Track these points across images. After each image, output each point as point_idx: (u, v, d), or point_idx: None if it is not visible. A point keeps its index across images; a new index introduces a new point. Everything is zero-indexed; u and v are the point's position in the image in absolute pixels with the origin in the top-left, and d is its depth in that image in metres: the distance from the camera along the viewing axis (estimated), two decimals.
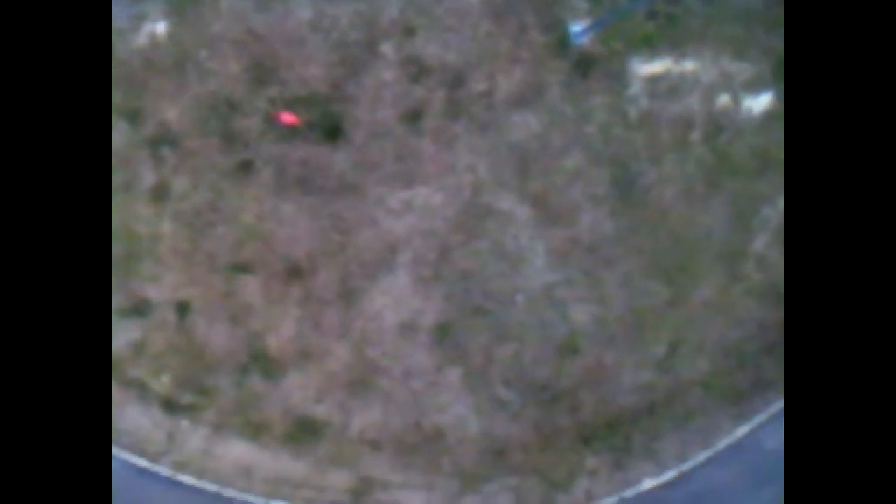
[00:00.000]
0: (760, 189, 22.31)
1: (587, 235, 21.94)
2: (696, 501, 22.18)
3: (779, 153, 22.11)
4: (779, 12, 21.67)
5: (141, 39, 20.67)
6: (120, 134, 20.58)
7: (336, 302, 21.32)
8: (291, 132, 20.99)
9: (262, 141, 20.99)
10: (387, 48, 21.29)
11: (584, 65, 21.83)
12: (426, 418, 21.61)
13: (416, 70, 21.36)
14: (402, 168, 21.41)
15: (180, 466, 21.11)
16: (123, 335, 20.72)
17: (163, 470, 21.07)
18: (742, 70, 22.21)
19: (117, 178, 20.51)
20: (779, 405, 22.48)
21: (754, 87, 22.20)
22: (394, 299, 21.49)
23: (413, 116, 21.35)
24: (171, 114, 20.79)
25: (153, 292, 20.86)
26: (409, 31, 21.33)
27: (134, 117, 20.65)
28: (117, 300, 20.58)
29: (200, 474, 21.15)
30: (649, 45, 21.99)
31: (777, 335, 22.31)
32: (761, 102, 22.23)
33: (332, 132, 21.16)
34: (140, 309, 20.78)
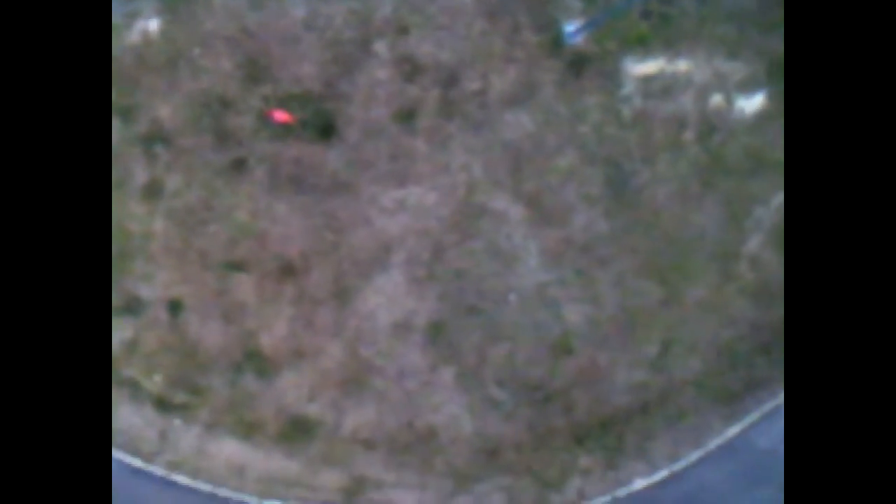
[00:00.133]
0: (753, 189, 22.37)
1: (581, 235, 21.95)
2: (688, 501, 22.22)
3: (772, 153, 22.18)
4: (772, 13, 21.75)
5: (134, 36, 20.58)
6: (113, 131, 20.45)
7: (329, 301, 21.27)
8: (285, 130, 20.94)
9: (256, 139, 20.93)
10: (380, 47, 21.25)
11: (578, 64, 21.83)
12: (419, 418, 21.58)
13: (410, 69, 21.32)
14: (395, 167, 21.38)
15: (174, 466, 21.05)
16: (116, 334, 20.63)
17: (156, 469, 20.97)
18: (735, 70, 22.25)
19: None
20: (771, 404, 22.55)
21: (747, 87, 22.24)
22: (387, 298, 21.46)
23: (407, 115, 21.32)
24: (164, 111, 20.70)
25: (146, 291, 20.77)
26: (403, 30, 21.29)
27: (127, 115, 20.56)
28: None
29: (194, 474, 21.09)
30: (643, 45, 22.01)
31: (770, 335, 22.40)
32: (754, 103, 22.27)
33: (326, 130, 21.10)
34: (132, 307, 20.70)
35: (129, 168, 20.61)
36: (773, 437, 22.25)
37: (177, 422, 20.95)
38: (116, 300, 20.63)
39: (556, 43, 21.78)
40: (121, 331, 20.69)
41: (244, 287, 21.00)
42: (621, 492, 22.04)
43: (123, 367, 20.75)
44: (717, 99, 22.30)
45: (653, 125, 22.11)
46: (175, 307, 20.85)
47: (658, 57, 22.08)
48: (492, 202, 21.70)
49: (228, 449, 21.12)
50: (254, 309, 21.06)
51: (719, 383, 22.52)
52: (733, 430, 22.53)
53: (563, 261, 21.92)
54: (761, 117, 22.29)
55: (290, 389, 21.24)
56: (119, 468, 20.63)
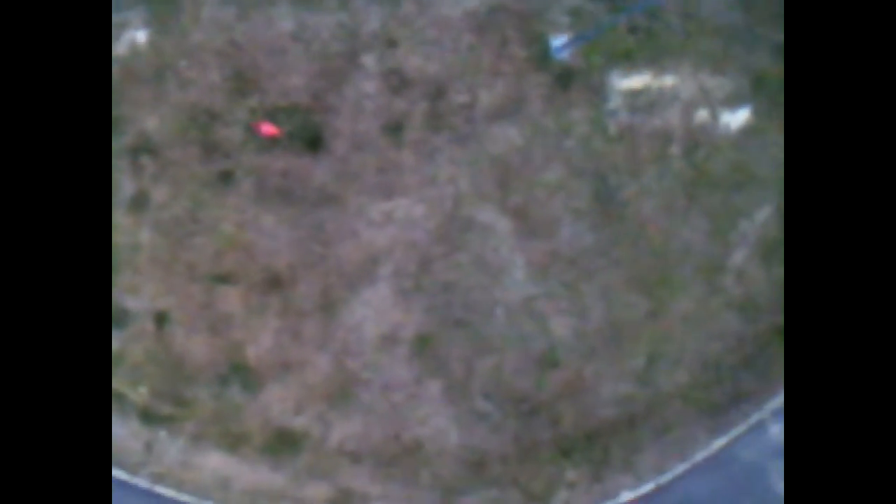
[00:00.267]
0: (739, 203, 22.52)
1: (567, 248, 22.02)
2: None
3: (757, 168, 22.36)
4: (758, 29, 21.95)
5: (121, 48, 20.59)
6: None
7: (316, 313, 21.27)
8: (272, 142, 20.96)
9: (243, 151, 20.95)
10: (368, 59, 21.32)
11: (565, 78, 21.96)
12: (406, 430, 21.57)
13: (398, 82, 21.40)
14: (382, 179, 21.43)
15: (158, 478, 20.96)
16: None
17: (141, 481, 20.88)
18: (721, 85, 22.43)
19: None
20: (756, 417, 22.65)
21: (732, 102, 22.42)
22: (374, 311, 21.47)
23: (394, 128, 21.38)
24: (151, 123, 20.71)
25: (132, 302, 20.72)
26: (391, 43, 21.38)
27: (114, 126, 20.49)
28: None
29: (179, 486, 21.00)
30: (629, 60, 22.17)
31: (755, 348, 22.53)
32: (739, 118, 22.45)
33: (313, 143, 21.15)
34: (118, 319, 20.63)
35: (116, 180, 20.54)
36: (758, 450, 22.33)
37: (162, 434, 20.88)
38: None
39: (544, 57, 21.91)
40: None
41: (231, 299, 20.98)
42: None
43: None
44: (702, 114, 22.46)
45: (639, 139, 22.24)
46: (161, 319, 20.81)
47: (644, 72, 22.23)
48: (479, 215, 21.76)
49: (214, 461, 21.05)
50: (240, 321, 21.04)
51: (705, 396, 22.61)
52: (719, 443, 22.60)
53: (549, 274, 21.98)
54: (746, 132, 22.47)
55: (276, 402, 21.20)
56: None
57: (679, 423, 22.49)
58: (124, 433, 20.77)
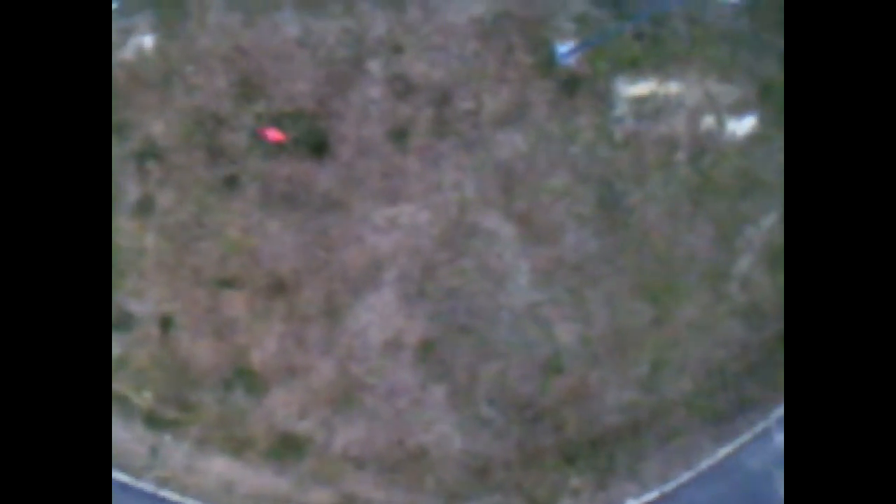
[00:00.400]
0: (744, 210, 22.48)
1: (572, 254, 22.00)
2: None
3: (763, 174, 22.32)
4: (764, 36, 21.91)
5: (128, 53, 20.65)
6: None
7: (320, 318, 21.29)
8: (277, 148, 21.00)
9: (248, 156, 21.00)
10: (374, 65, 21.36)
11: (570, 85, 21.96)
12: (410, 436, 21.56)
13: (403, 88, 21.42)
14: (387, 185, 21.45)
15: (163, 482, 20.98)
16: None
17: (146, 485, 20.91)
18: (726, 92, 22.40)
19: None
20: (762, 425, 22.57)
21: (738, 109, 22.39)
22: (378, 316, 21.48)
23: (399, 134, 21.41)
24: (158, 128, 20.77)
25: (137, 306, 20.77)
26: (397, 49, 21.40)
27: (120, 131, 20.60)
28: None
29: (183, 490, 21.02)
30: (635, 67, 22.15)
31: (761, 356, 22.47)
32: (745, 124, 22.41)
33: (318, 148, 21.18)
34: (123, 323, 20.69)
35: (122, 184, 20.62)
36: (763, 458, 22.26)
37: (167, 438, 20.91)
38: None
39: (549, 64, 21.91)
40: (112, 346, 20.62)
41: (235, 304, 21.02)
42: None
43: (114, 383, 20.66)
44: (708, 120, 22.44)
45: (644, 146, 22.22)
46: (166, 323, 20.85)
47: (650, 78, 22.22)
48: (483, 221, 21.76)
49: (218, 465, 21.07)
50: (245, 326, 21.06)
51: (710, 404, 22.55)
52: (724, 451, 22.54)
53: (554, 280, 21.97)
54: (752, 139, 22.43)
55: (281, 406, 21.21)
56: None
57: (684, 431, 22.43)
58: (129, 437, 20.81)
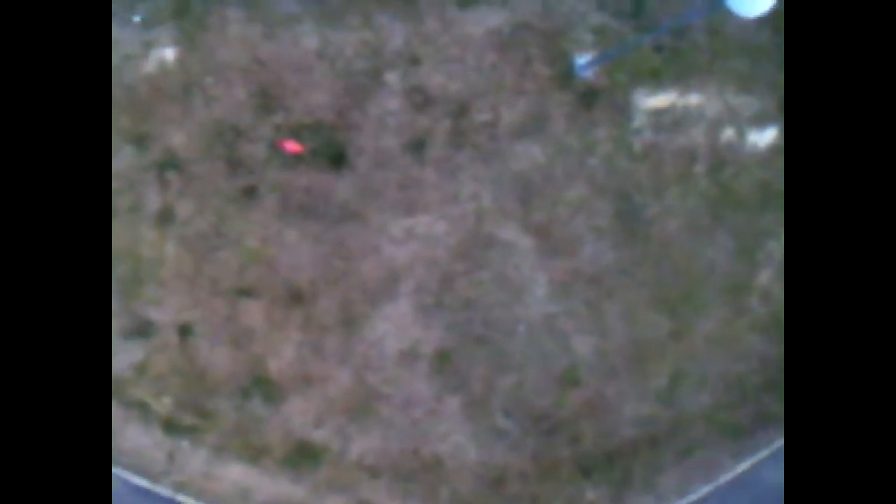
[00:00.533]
0: (765, 223, 22.29)
1: (589, 266, 21.97)
2: None
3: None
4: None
5: (150, 65, 21.00)
6: (126, 158, 20.91)
7: (337, 328, 21.47)
8: (296, 159, 21.24)
9: (267, 167, 21.24)
10: (391, 77, 21.51)
11: (589, 97, 21.94)
12: (425, 446, 21.66)
13: (421, 99, 21.55)
14: (405, 196, 21.59)
15: (180, 487, 21.29)
16: (126, 356, 20.97)
17: (163, 490, 21.23)
18: (747, 104, 22.24)
19: (123, 202, 20.84)
20: (782, 440, 22.32)
21: (759, 121, 22.22)
22: (395, 327, 21.62)
23: (417, 145, 21.54)
24: (178, 139, 21.09)
25: (156, 314, 21.10)
26: (414, 61, 21.54)
27: (141, 142, 20.97)
28: (121, 322, 20.87)
29: (200, 495, 21.31)
30: (654, 79, 22.07)
31: (781, 370, 22.21)
32: (766, 137, 22.24)
33: (336, 160, 21.38)
34: (143, 331, 21.04)
35: (142, 194, 20.98)
36: (783, 474, 21.94)
37: (184, 444, 21.22)
38: (128, 323, 21.02)
39: (568, 75, 21.91)
40: (131, 353, 21.04)
41: (253, 313, 21.27)
42: None
43: (133, 389, 21.07)
44: (728, 133, 22.29)
45: (663, 158, 22.13)
46: (185, 331, 21.17)
47: (669, 90, 22.13)
48: (501, 232, 21.81)
49: (235, 472, 21.34)
50: (262, 334, 21.31)
51: (729, 418, 22.38)
52: (743, 466, 22.34)
53: (571, 292, 21.95)
54: (773, 151, 22.24)
55: (297, 415, 21.42)
56: (126, 487, 20.92)
57: (702, 445, 22.28)
58: (148, 443, 21.15)
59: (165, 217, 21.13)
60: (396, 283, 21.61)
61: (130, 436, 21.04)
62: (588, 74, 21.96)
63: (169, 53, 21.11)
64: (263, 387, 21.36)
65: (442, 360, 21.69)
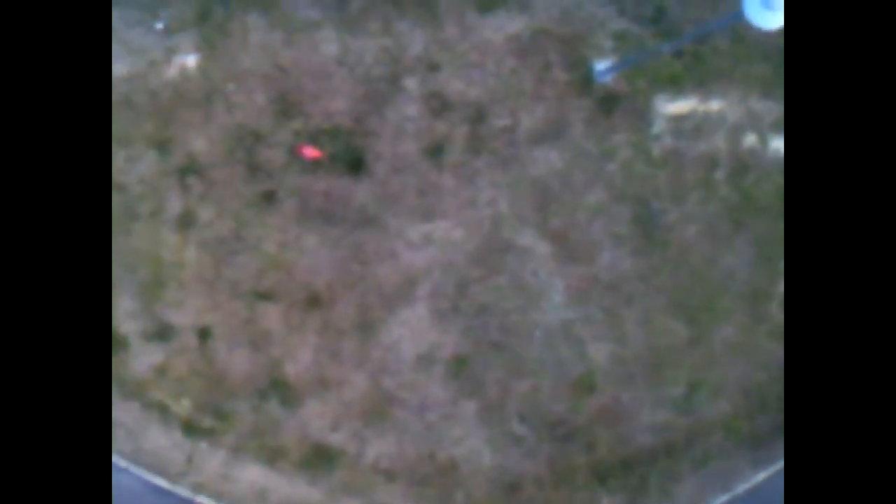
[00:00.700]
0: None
1: (607, 273, 21.92)
2: None
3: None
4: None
5: (172, 72, 21.29)
6: (149, 163, 21.24)
7: (354, 332, 21.64)
8: (315, 164, 21.41)
9: (286, 172, 21.45)
10: (410, 83, 21.61)
11: (608, 102, 21.87)
12: (440, 450, 21.76)
13: (439, 105, 21.63)
14: (422, 202, 21.68)
15: (198, 488, 21.59)
16: (146, 358, 21.32)
17: (182, 490, 21.55)
18: (769, 110, 22.03)
19: (144, 206, 21.19)
20: None
21: (781, 127, 21.98)
22: (411, 331, 21.73)
23: (435, 151, 21.62)
24: (199, 144, 21.37)
25: (176, 317, 21.41)
26: (433, 67, 21.62)
27: (163, 147, 21.27)
28: (142, 324, 21.24)
29: (218, 496, 21.59)
30: (675, 84, 21.95)
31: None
32: None
33: (355, 165, 21.53)
34: (163, 333, 21.36)
35: (164, 198, 21.29)
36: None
37: (203, 445, 21.52)
38: (148, 326, 21.36)
39: (587, 81, 21.86)
40: (151, 356, 21.37)
41: (271, 316, 21.50)
42: None
43: (153, 391, 21.41)
44: (750, 138, 22.10)
45: (683, 164, 22.00)
46: (204, 334, 21.45)
47: (690, 96, 21.99)
48: (518, 238, 21.83)
49: (252, 474, 21.59)
50: (280, 338, 21.53)
51: (748, 426, 22.21)
52: (762, 476, 22.16)
53: (588, 298, 21.91)
54: None
55: (314, 418, 21.63)
56: (145, 487, 21.28)
57: (720, 454, 22.14)
58: (167, 444, 21.48)
59: (186, 221, 21.42)
60: (413, 287, 21.72)
61: (150, 437, 21.39)
62: (607, 80, 21.89)
63: (191, 60, 21.39)
64: (281, 390, 21.60)
65: (458, 364, 21.77)
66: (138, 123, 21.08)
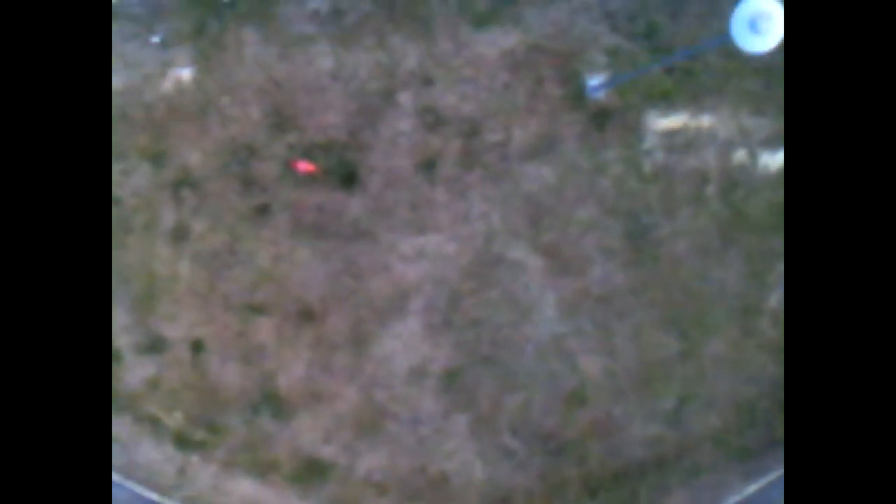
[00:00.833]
0: (776, 245, 22.22)
1: (598, 287, 22.05)
2: None
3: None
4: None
5: (167, 85, 21.35)
6: (143, 176, 21.28)
7: (347, 345, 21.71)
8: (308, 178, 21.49)
9: (280, 186, 21.52)
10: (404, 98, 21.72)
11: (600, 118, 22.02)
12: (432, 464, 21.84)
13: (433, 119, 21.75)
14: (415, 215, 21.78)
15: (190, 501, 21.62)
16: (139, 371, 21.35)
17: None
18: (760, 126, 22.21)
19: (138, 219, 21.23)
20: None
21: (772, 143, 22.18)
22: (404, 345, 21.82)
23: (428, 165, 21.73)
24: (194, 158, 21.43)
25: (169, 330, 21.45)
26: (427, 82, 21.73)
27: (157, 160, 21.32)
28: (134, 337, 21.26)
29: None
30: (666, 100, 22.11)
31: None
32: (778, 159, 22.20)
33: (348, 179, 21.62)
34: (156, 346, 21.39)
35: (158, 212, 21.33)
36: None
37: (195, 458, 21.54)
38: (141, 339, 21.39)
39: (579, 97, 22.00)
40: (144, 368, 21.40)
41: (264, 329, 21.56)
42: None
43: (146, 404, 21.43)
44: (740, 154, 22.27)
45: (674, 179, 22.16)
46: (197, 347, 21.49)
47: (681, 112, 22.16)
48: (510, 252, 21.95)
49: (244, 487, 21.63)
50: (273, 351, 21.59)
51: (738, 440, 22.35)
52: (752, 488, 22.29)
53: (580, 312, 22.04)
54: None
55: (306, 431, 21.68)
56: (138, 500, 21.27)
57: (710, 467, 22.28)
58: (159, 457, 21.50)
59: (180, 234, 21.47)
60: (406, 301, 21.82)
61: (142, 450, 21.42)
62: (600, 95, 22.04)
63: (186, 74, 21.46)
64: (273, 403, 21.64)
65: (450, 378, 21.86)
66: (133, 136, 21.13)
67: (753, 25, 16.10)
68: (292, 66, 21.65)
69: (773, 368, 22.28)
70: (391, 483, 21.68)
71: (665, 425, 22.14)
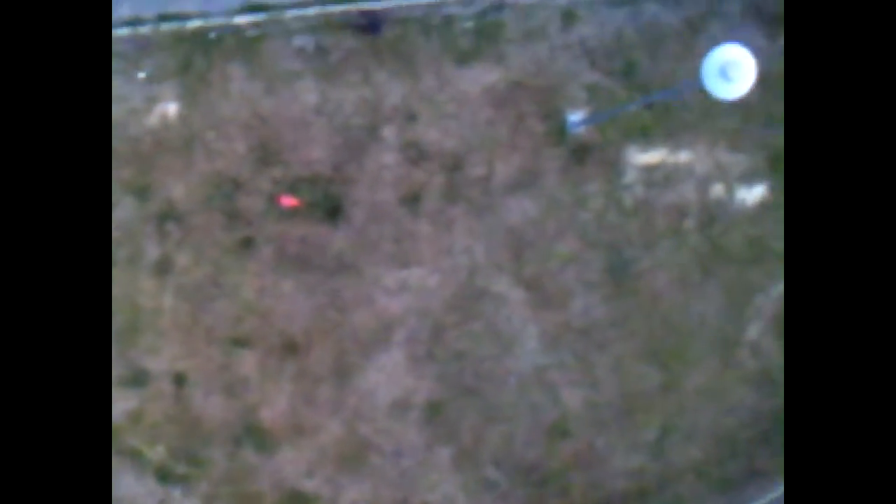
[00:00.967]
0: (754, 278, 22.60)
1: (580, 319, 22.28)
2: None
3: (773, 243, 22.45)
4: (775, 106, 22.13)
5: (152, 120, 21.53)
6: (127, 209, 21.37)
7: (330, 378, 21.77)
8: (293, 211, 21.66)
9: (264, 219, 21.67)
10: (388, 132, 22.00)
11: (581, 153, 22.39)
12: (415, 496, 21.85)
13: (416, 154, 22.02)
14: (399, 249, 21.97)
15: None
16: (121, 404, 21.26)
17: None
18: (737, 162, 22.66)
19: (122, 252, 21.27)
20: (772, 495, 22.43)
21: (749, 178, 22.63)
22: (387, 377, 21.91)
23: (412, 199, 21.97)
24: (178, 191, 21.55)
25: (152, 363, 21.43)
26: (411, 117, 22.03)
27: (142, 193, 21.43)
28: (117, 370, 21.17)
29: None
30: (645, 135, 22.53)
31: (771, 424, 22.42)
32: (755, 193, 22.63)
33: (333, 212, 21.80)
34: (139, 379, 21.35)
35: (141, 245, 21.40)
36: None
37: (176, 492, 21.43)
38: (124, 372, 21.33)
39: (560, 132, 22.38)
40: (126, 401, 21.32)
41: (247, 362, 21.60)
42: None
43: (127, 437, 21.33)
44: (718, 189, 22.69)
45: (654, 213, 22.52)
46: (180, 380, 21.47)
47: (660, 147, 22.58)
48: (493, 285, 22.16)
49: None
50: (256, 384, 21.61)
51: (719, 471, 22.53)
52: None
53: (561, 344, 22.24)
54: (762, 207, 22.61)
55: (289, 464, 21.65)
56: None
57: (692, 499, 22.42)
58: (141, 491, 21.38)
59: (164, 267, 21.53)
60: (389, 333, 21.94)
61: (123, 483, 21.28)
62: (580, 131, 22.43)
63: (171, 108, 21.65)
64: (256, 436, 21.62)
65: (433, 410, 21.95)
66: (118, 170, 21.20)
67: (724, 73, 16.59)
68: (277, 101, 21.91)
69: (753, 399, 22.52)
70: None
71: (647, 457, 22.30)
